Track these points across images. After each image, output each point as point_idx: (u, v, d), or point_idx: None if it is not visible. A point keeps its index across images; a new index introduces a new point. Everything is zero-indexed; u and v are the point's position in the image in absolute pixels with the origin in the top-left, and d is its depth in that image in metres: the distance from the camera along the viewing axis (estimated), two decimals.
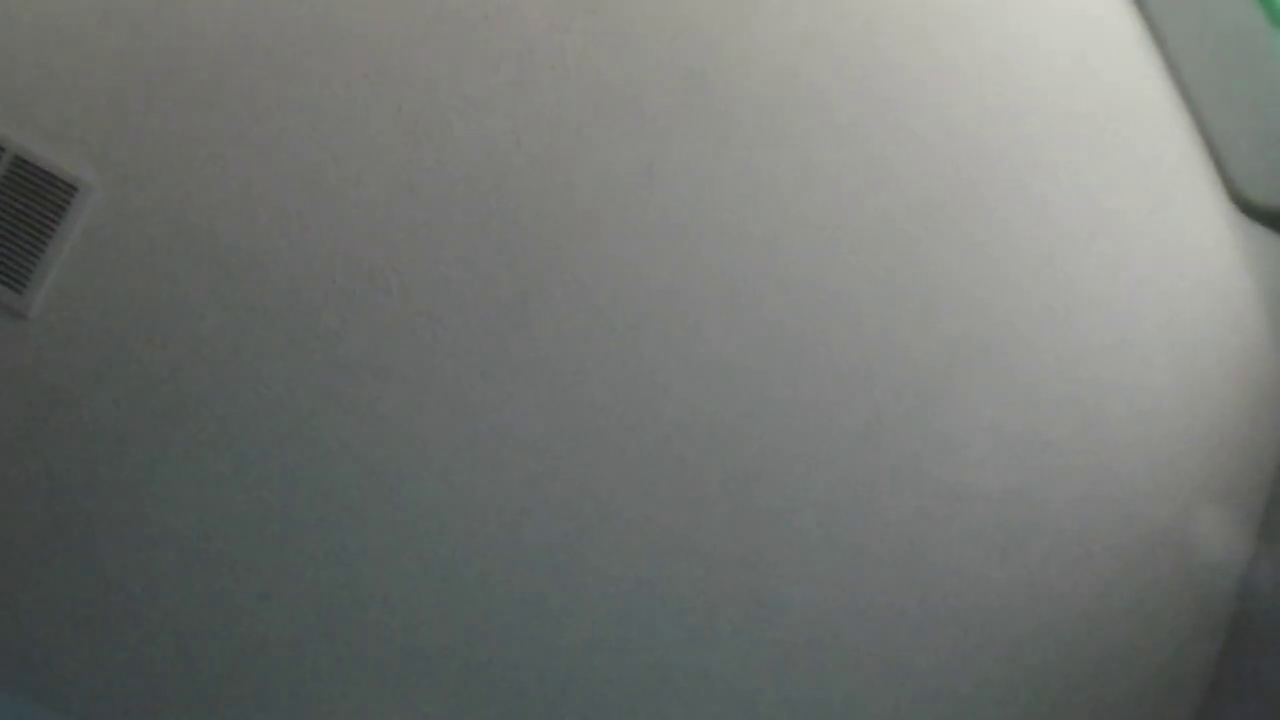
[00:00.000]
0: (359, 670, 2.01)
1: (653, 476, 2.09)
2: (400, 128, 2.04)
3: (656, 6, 2.10)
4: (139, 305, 1.97)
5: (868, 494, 2.16)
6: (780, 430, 2.13)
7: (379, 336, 2.03)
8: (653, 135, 2.11)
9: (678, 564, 2.09)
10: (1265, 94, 2.10)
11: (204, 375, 1.98)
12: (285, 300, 2.00)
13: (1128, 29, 2.25)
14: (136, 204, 1.98)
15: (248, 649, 1.98)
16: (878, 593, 2.16)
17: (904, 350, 2.18)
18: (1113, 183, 2.26)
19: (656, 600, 2.09)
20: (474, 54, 2.06)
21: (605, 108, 2.09)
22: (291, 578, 1.99)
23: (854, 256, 2.17)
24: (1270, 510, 2.32)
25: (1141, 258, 2.27)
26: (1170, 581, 2.28)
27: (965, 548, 2.19)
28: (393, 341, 2.03)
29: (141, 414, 1.96)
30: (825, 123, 2.16)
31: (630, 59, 2.10)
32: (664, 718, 2.09)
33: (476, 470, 2.04)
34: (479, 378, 2.05)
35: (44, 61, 1.97)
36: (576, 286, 2.08)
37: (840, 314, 2.16)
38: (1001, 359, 2.21)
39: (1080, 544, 2.23)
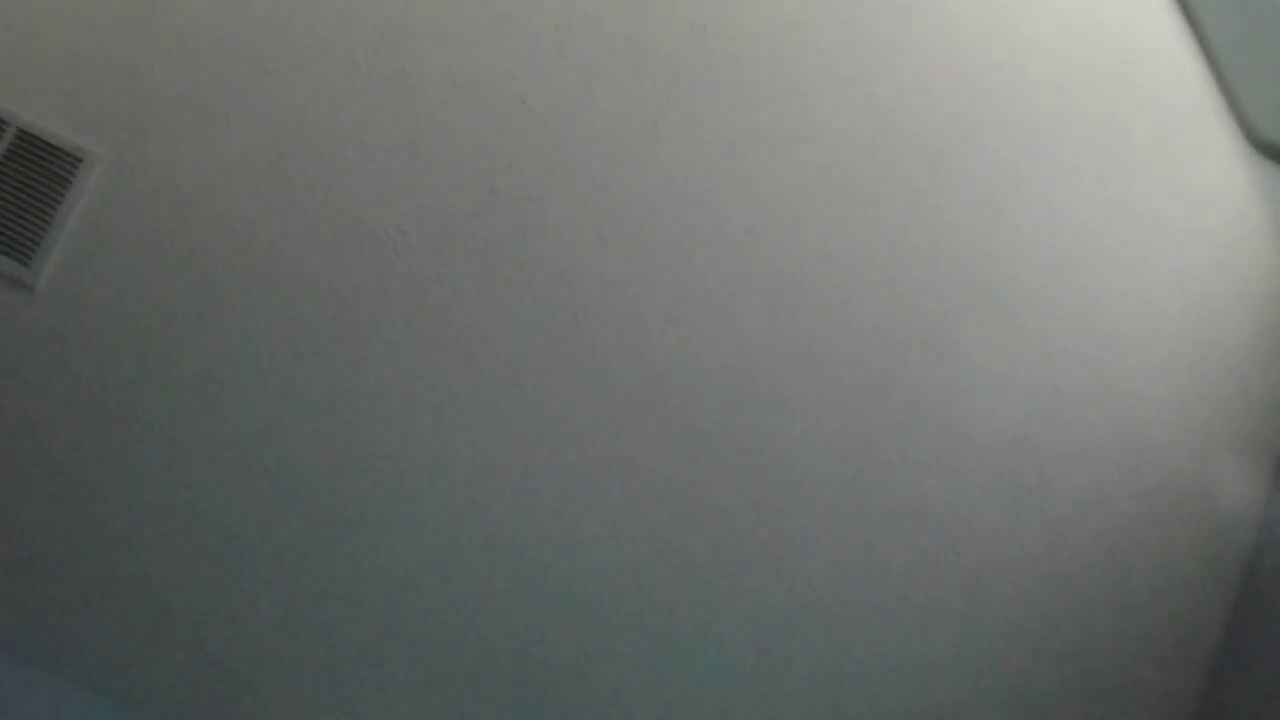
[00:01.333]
0: (364, 640, 2.00)
1: (661, 432, 2.08)
2: (404, 89, 2.03)
3: None
4: (145, 276, 1.97)
5: (878, 445, 2.15)
6: (789, 381, 2.13)
7: (385, 300, 2.02)
8: (657, 92, 2.10)
9: (688, 520, 2.09)
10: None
11: (210, 345, 1.97)
12: (290, 263, 2.00)
13: None
14: (141, 174, 1.97)
15: (252, 620, 1.97)
16: (890, 543, 2.15)
17: (913, 299, 2.17)
18: (1122, 124, 2.25)
19: (667, 557, 2.08)
20: (478, 13, 2.05)
21: (609, 65, 2.09)
22: (299, 546, 1.98)
23: (861, 207, 2.16)
24: None
25: (1153, 200, 2.26)
26: (1185, 529, 2.27)
27: (977, 498, 2.18)
28: (399, 304, 2.02)
29: (148, 383, 1.96)
30: (829, 74, 2.15)
31: (634, 15, 2.09)
32: (678, 676, 2.08)
33: (484, 429, 2.03)
34: (486, 339, 2.04)
35: (45, 34, 1.96)
36: (582, 242, 2.07)
37: (848, 264, 2.16)
38: (1011, 306, 2.21)
39: (1093, 493, 2.23)
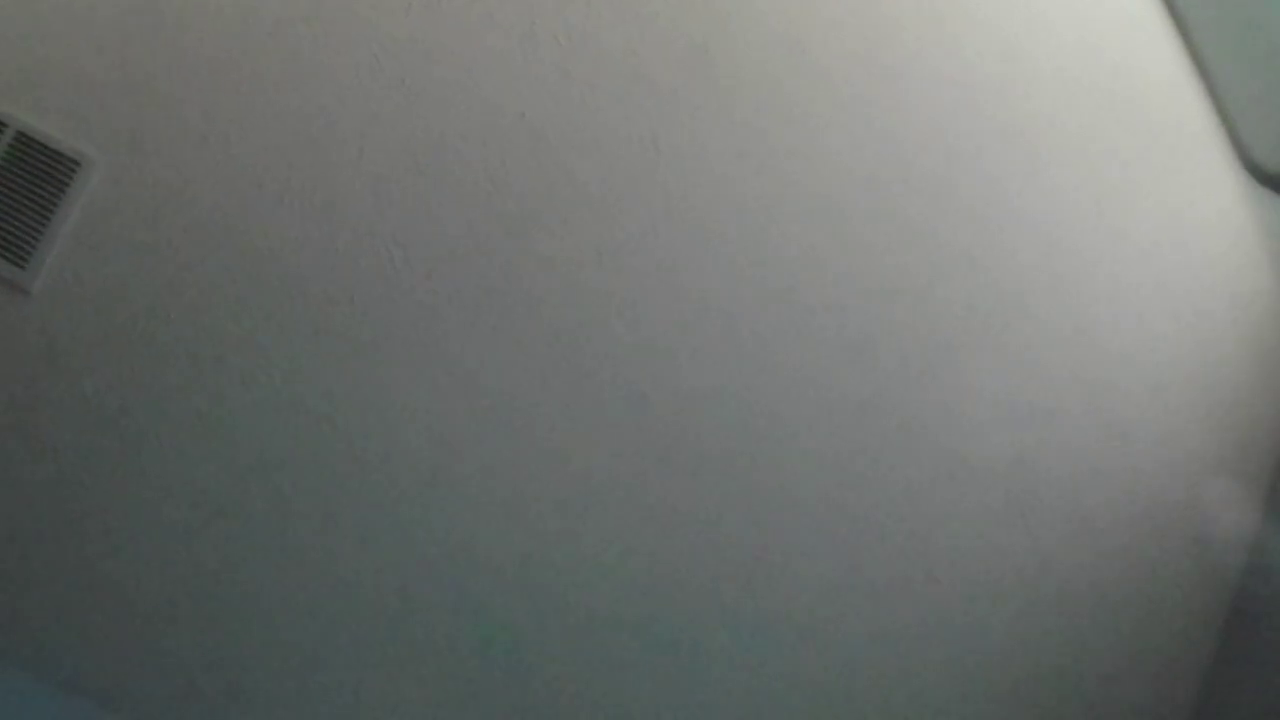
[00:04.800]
0: (352, 644, 2.00)
1: (653, 448, 2.08)
2: (404, 100, 2.03)
3: None
4: (141, 280, 1.97)
5: (871, 466, 2.16)
6: (784, 401, 2.13)
7: (381, 311, 2.02)
8: (657, 108, 2.10)
9: (678, 536, 2.09)
10: (1279, 58, 2.08)
11: (205, 349, 1.97)
12: (287, 274, 2.00)
13: None
14: (139, 179, 1.98)
15: (244, 621, 1.97)
16: (880, 564, 2.15)
17: (908, 320, 2.18)
18: (1120, 151, 2.26)
19: (656, 573, 2.08)
20: (478, 26, 2.06)
21: (609, 80, 2.09)
22: (290, 552, 1.98)
23: (858, 227, 2.17)
24: (1278, 482, 2.31)
25: (1150, 226, 2.26)
26: (1176, 554, 2.28)
27: (969, 519, 2.19)
28: (396, 316, 2.02)
29: (143, 389, 1.96)
30: (829, 94, 2.16)
31: (634, 31, 2.09)
32: (663, 692, 2.08)
33: (477, 443, 2.04)
34: (481, 350, 2.05)
35: (46, 38, 1.96)
36: (580, 259, 2.08)
37: (845, 284, 2.16)
38: (1007, 329, 2.21)
39: (1085, 515, 2.23)
